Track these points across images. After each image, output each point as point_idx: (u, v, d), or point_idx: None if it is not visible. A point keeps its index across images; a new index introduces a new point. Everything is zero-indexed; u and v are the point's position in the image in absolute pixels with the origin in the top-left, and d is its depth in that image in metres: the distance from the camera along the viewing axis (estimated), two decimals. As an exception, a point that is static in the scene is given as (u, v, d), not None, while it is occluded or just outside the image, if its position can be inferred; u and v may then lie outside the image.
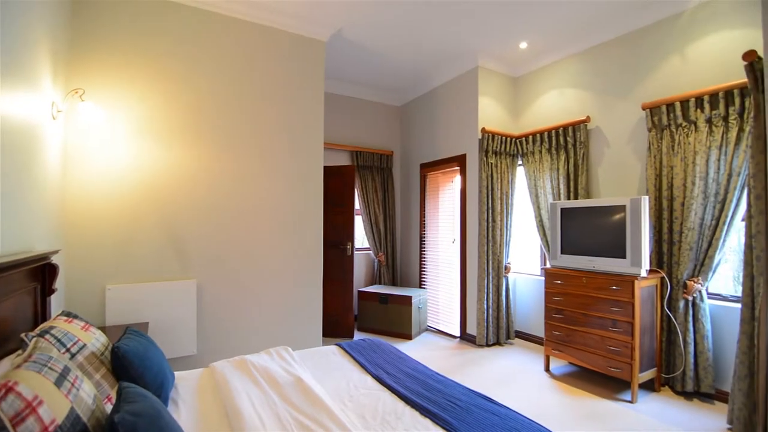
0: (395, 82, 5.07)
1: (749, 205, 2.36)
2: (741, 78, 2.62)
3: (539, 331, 4.18)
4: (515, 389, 3.10)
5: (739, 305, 2.58)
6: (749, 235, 2.37)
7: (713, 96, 2.80)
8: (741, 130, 2.70)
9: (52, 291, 2.05)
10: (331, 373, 2.15)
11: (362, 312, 4.74)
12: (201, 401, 1.80)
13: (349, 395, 1.89)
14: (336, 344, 2.62)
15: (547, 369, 3.48)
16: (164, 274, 2.91)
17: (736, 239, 2.87)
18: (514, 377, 3.34)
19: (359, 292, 4.78)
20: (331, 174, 4.47)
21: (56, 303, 2.33)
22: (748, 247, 2.38)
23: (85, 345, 1.60)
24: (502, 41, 3.91)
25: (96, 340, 1.70)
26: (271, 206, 3.37)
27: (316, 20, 3.47)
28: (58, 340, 1.49)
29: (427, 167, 5.05)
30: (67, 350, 1.49)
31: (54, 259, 2.09)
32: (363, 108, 5.35)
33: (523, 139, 4.27)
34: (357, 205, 5.09)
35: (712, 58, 2.96)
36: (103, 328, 2.56)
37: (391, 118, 5.61)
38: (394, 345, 2.83)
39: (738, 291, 2.91)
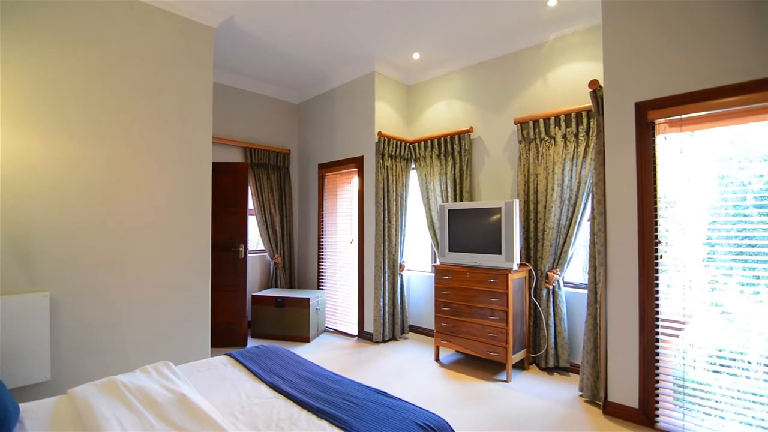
0: (293, 79, 4.95)
1: (593, 208, 2.84)
2: (587, 102, 3.17)
3: (430, 324, 4.47)
4: (409, 381, 3.27)
5: (586, 291, 3.11)
6: (593, 233, 2.86)
7: (567, 116, 3.32)
8: (587, 145, 3.24)
9: None
10: (221, 386, 2.00)
11: (257, 317, 4.51)
12: (55, 435, 1.53)
13: (241, 407, 1.79)
14: (226, 354, 2.45)
15: (437, 359, 3.74)
16: (3, 286, 2.39)
17: (585, 236, 3.44)
18: (408, 369, 3.52)
19: (253, 296, 4.55)
20: (221, 171, 4.16)
21: None
22: (592, 243, 2.87)
23: None
24: (397, 50, 4.09)
25: None
26: (148, 206, 3.00)
27: (202, 3, 3.21)
28: None
29: (326, 167, 5.03)
30: None
31: None
32: (259, 103, 5.10)
33: (416, 144, 4.53)
34: (251, 204, 4.83)
35: (566, 84, 3.50)
36: None
37: (288, 115, 5.45)
38: (292, 349, 2.77)
39: (586, 279, 3.50)
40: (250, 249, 4.72)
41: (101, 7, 2.79)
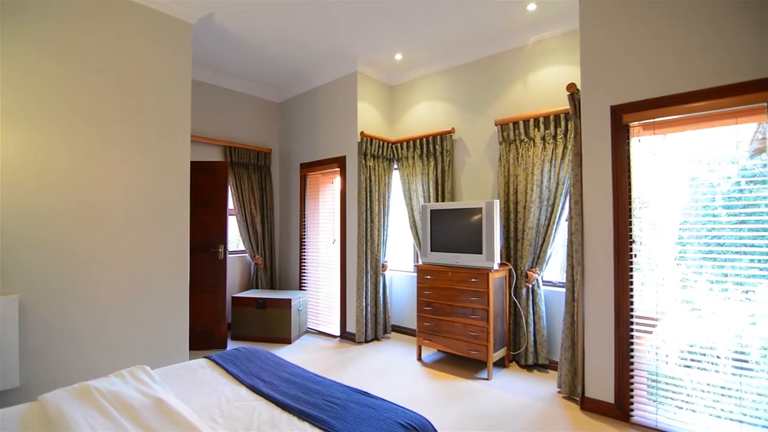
0: (274, 78, 4.89)
1: (570, 208, 2.91)
2: (566, 105, 3.24)
3: (413, 323, 4.49)
4: (391, 380, 3.27)
5: (564, 290, 3.18)
6: (571, 233, 2.92)
7: (546, 118, 3.39)
8: (565, 147, 3.32)
9: None
10: (200, 389, 1.96)
11: (237, 319, 4.44)
12: (24, 444, 1.47)
13: (221, 410, 1.75)
14: (205, 357, 2.40)
15: (419, 358, 3.76)
16: (-32, 290, 2.29)
17: (563, 236, 3.51)
18: (391, 369, 3.53)
19: (233, 298, 4.47)
20: (200, 170, 4.08)
21: None
22: (570, 242, 2.94)
23: None
24: (380, 50, 4.10)
25: None
26: (123, 205, 2.92)
27: None
28: None
29: (308, 167, 4.99)
30: None
31: None
32: (239, 101, 5.02)
33: (399, 144, 4.54)
34: (231, 204, 4.75)
35: (545, 87, 3.57)
36: None
37: (269, 114, 5.39)
38: (273, 351, 2.74)
39: (564, 278, 3.57)
40: (230, 249, 4.64)
41: (77, 1, 2.70)
